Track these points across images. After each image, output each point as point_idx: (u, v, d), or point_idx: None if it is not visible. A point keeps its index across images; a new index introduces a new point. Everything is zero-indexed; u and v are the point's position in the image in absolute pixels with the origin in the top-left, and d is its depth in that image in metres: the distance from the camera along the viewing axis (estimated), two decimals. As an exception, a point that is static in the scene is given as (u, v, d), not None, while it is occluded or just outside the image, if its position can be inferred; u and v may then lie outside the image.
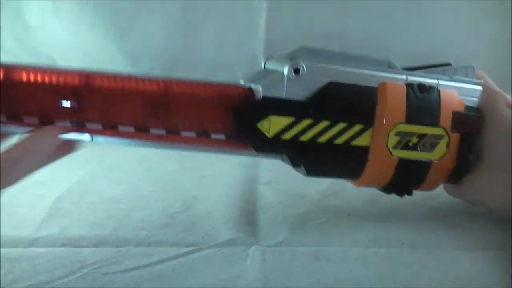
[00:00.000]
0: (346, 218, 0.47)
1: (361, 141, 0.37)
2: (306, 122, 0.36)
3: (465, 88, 0.40)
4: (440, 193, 0.53)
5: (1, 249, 0.40)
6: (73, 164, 0.58)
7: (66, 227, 0.45)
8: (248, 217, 0.47)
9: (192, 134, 0.35)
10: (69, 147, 0.36)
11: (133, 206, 0.50)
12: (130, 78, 0.34)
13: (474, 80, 0.41)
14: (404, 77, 0.38)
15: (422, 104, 0.37)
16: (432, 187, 0.41)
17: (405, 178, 0.39)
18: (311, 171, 0.38)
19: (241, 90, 0.36)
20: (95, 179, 0.58)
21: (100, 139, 0.35)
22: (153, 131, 0.34)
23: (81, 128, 0.34)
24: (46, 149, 0.33)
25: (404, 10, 0.78)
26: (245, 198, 0.52)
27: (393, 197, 0.53)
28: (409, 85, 0.37)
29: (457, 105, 0.39)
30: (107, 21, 0.79)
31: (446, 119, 0.38)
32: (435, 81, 0.39)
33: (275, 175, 0.59)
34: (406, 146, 0.37)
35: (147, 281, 0.37)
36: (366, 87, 0.37)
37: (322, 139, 0.36)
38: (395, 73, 0.38)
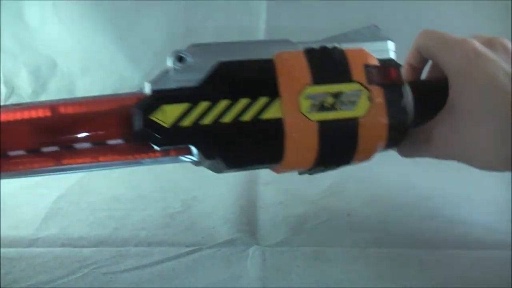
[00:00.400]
0: (346, 218, 0.47)
1: (271, 113, 0.34)
2: (203, 104, 0.34)
3: (373, 45, 0.38)
4: (440, 193, 0.53)
5: (1, 249, 0.40)
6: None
7: (66, 227, 0.45)
8: (248, 217, 0.47)
9: (87, 145, 0.34)
10: None
11: (133, 206, 0.50)
12: (15, 108, 0.33)
13: (381, 36, 0.39)
14: (300, 46, 0.37)
15: (327, 63, 0.36)
16: (371, 149, 0.37)
17: (334, 144, 0.36)
18: (229, 160, 0.35)
19: (134, 95, 0.35)
20: (95, 179, 0.58)
21: None
22: (46, 149, 0.33)
23: None
24: None
25: (404, 10, 0.78)
26: (245, 198, 0.52)
27: (393, 197, 0.53)
28: (308, 49, 0.36)
29: (369, 59, 0.37)
30: (107, 21, 0.79)
31: (358, 73, 0.36)
32: (336, 44, 0.37)
33: (275, 175, 0.59)
34: (322, 108, 0.35)
35: (147, 281, 0.37)
36: (261, 60, 0.35)
37: (227, 118, 0.34)
38: (291, 45, 0.37)
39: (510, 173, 0.48)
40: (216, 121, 0.34)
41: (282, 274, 0.38)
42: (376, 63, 0.37)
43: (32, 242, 0.42)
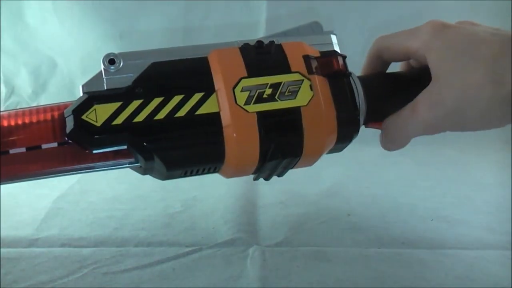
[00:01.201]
0: (346, 218, 0.47)
1: (207, 108, 0.34)
2: (136, 102, 0.33)
3: (315, 38, 0.38)
4: (440, 193, 0.53)
5: (1, 249, 0.40)
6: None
7: (66, 227, 0.45)
8: (248, 217, 0.47)
9: (22, 149, 0.33)
10: None
11: (133, 206, 0.50)
12: None
13: (324, 31, 0.39)
14: (235, 44, 0.36)
15: (263, 56, 0.35)
16: (320, 141, 0.36)
17: (276, 135, 0.35)
18: (167, 158, 0.34)
19: (69, 103, 0.34)
20: (95, 179, 0.58)
21: None
22: None
23: None
24: None
25: (404, 10, 0.78)
26: (245, 198, 0.52)
27: (393, 197, 0.53)
28: (244, 46, 0.36)
29: (308, 50, 0.36)
30: (107, 21, 0.79)
31: (297, 64, 0.35)
32: (273, 39, 0.37)
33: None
34: (260, 99, 0.34)
35: (147, 281, 0.37)
36: (194, 58, 0.35)
37: (161, 115, 0.33)
38: (227, 44, 0.37)
39: (509, 173, 0.48)
40: (150, 118, 0.33)
41: (282, 274, 0.38)
42: (316, 54, 0.36)
43: (32, 242, 0.42)
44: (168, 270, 0.38)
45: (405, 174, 0.56)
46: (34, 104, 0.81)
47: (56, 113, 0.34)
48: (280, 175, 0.39)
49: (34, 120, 0.34)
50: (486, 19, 0.78)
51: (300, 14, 0.79)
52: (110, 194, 0.53)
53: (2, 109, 0.80)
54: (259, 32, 0.80)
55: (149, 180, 0.58)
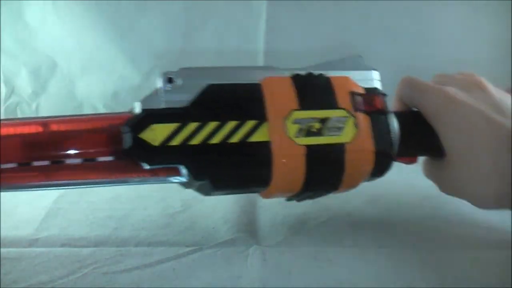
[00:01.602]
0: (346, 218, 0.47)
1: (259, 137, 0.35)
2: (193, 125, 0.34)
3: (359, 73, 0.39)
4: (440, 193, 0.53)
5: (1, 249, 0.40)
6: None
7: (66, 227, 0.45)
8: (248, 217, 0.47)
9: (78, 160, 0.34)
10: None
11: (133, 206, 0.50)
12: (6, 124, 0.34)
13: (367, 66, 0.40)
14: (287, 73, 0.37)
15: (313, 88, 0.36)
16: (358, 176, 0.38)
17: (321, 169, 0.36)
18: (217, 181, 0.35)
19: (124, 115, 0.35)
20: (95, 179, 0.58)
21: None
22: (37, 163, 0.33)
23: None
24: None
25: (404, 9, 0.78)
26: (245, 198, 0.52)
27: (393, 197, 0.53)
28: (295, 76, 0.37)
29: (354, 87, 0.38)
30: (107, 21, 0.79)
31: (344, 100, 0.36)
32: (321, 72, 0.38)
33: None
34: (309, 133, 0.35)
35: (147, 281, 0.37)
36: (248, 84, 0.36)
37: (215, 140, 0.34)
38: (278, 71, 0.37)
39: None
40: (205, 142, 0.34)
41: (282, 274, 0.38)
42: (361, 91, 0.38)
43: (32, 242, 0.42)
44: (168, 270, 0.38)
45: (405, 174, 0.56)
46: (34, 104, 0.81)
47: (110, 125, 0.35)
48: (311, 198, 0.41)
49: (90, 131, 0.35)
50: (486, 19, 0.78)
51: (301, 15, 0.79)
52: (110, 194, 0.53)
53: (1, 110, 0.80)
54: (259, 32, 0.80)
55: (149, 180, 0.58)
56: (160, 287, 0.36)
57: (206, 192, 0.37)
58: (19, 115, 0.81)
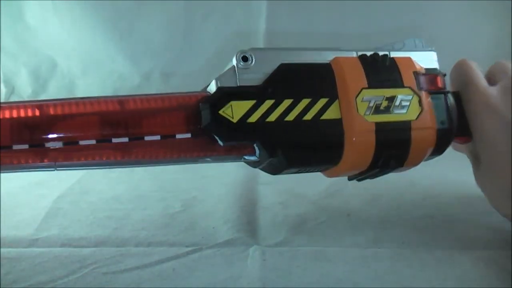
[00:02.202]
0: (346, 218, 0.47)
1: (331, 114, 0.36)
2: (268, 102, 0.35)
3: (419, 54, 0.40)
4: (440, 193, 0.53)
5: (1, 249, 0.40)
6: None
7: (66, 227, 0.45)
8: (248, 217, 0.47)
9: (156, 137, 0.35)
10: None
11: (133, 206, 0.50)
12: (84, 102, 0.34)
13: (426, 47, 0.42)
14: (354, 53, 0.38)
15: (379, 68, 0.38)
16: (421, 154, 0.39)
17: (389, 145, 0.37)
18: (290, 157, 0.36)
19: (200, 94, 0.36)
20: (95, 179, 0.58)
21: (63, 165, 0.34)
22: (116, 140, 0.34)
23: (41, 157, 0.33)
24: None
25: (404, 9, 0.78)
26: (245, 198, 0.52)
27: (393, 197, 0.53)
28: (362, 56, 0.38)
29: (416, 67, 0.39)
30: (107, 21, 0.79)
31: (408, 79, 0.38)
32: (386, 52, 0.39)
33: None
34: (378, 110, 0.37)
35: (147, 281, 0.37)
36: (319, 63, 0.37)
37: (290, 117, 0.36)
38: (345, 51, 0.39)
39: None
40: (281, 119, 0.35)
41: (282, 274, 0.38)
42: (423, 71, 0.39)
43: (32, 242, 0.42)
44: (168, 270, 0.38)
45: (405, 174, 0.56)
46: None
47: (187, 104, 0.35)
48: (372, 178, 0.42)
49: (168, 109, 0.35)
50: (486, 19, 0.78)
51: (300, 15, 0.79)
52: (110, 194, 0.53)
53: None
54: (259, 32, 0.80)
55: (148, 180, 0.58)
56: (160, 287, 0.36)
57: (275, 170, 0.38)
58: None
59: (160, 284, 0.36)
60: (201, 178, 0.58)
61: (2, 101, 0.80)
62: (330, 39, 0.78)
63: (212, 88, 0.36)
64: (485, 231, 0.44)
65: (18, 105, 0.33)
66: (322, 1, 0.78)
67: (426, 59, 0.41)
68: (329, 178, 0.43)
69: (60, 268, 0.38)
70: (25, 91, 0.81)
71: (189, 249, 0.41)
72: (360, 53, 0.38)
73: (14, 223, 0.45)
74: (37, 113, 0.33)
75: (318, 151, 0.37)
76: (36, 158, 0.33)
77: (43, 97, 0.81)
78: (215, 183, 0.56)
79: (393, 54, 0.39)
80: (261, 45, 0.80)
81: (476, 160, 0.41)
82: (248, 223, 0.46)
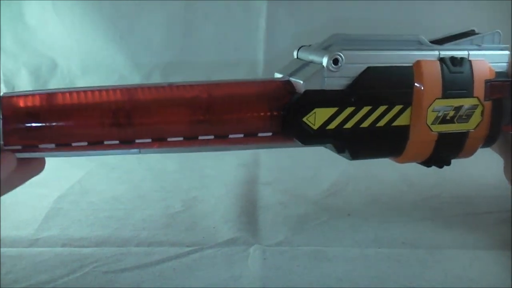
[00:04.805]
0: (346, 218, 0.47)
1: (401, 121, 0.38)
2: (349, 110, 0.36)
3: (493, 54, 0.41)
4: (440, 194, 0.53)
5: (2, 248, 0.40)
6: (73, 164, 0.58)
7: (66, 227, 0.45)
8: (249, 217, 0.47)
9: (239, 135, 0.36)
10: (32, 168, 0.36)
11: (134, 206, 0.50)
12: (171, 87, 0.35)
13: (501, 45, 0.42)
14: (436, 52, 0.39)
15: (456, 77, 0.38)
16: (469, 154, 0.42)
17: (445, 151, 0.40)
18: (356, 155, 0.39)
19: (281, 84, 0.37)
20: (96, 179, 0.58)
21: (148, 151, 0.35)
22: (202, 137, 0.35)
23: (129, 145, 0.34)
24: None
25: (404, 9, 0.78)
26: (246, 198, 0.52)
27: (393, 197, 0.53)
28: (442, 60, 0.38)
29: (488, 73, 0.40)
30: (107, 21, 0.79)
31: (479, 88, 0.39)
32: (465, 53, 0.39)
33: (275, 175, 0.59)
34: (444, 120, 0.38)
35: (148, 281, 0.37)
36: (401, 67, 0.38)
37: (365, 124, 0.37)
38: (427, 49, 0.39)
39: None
40: (356, 126, 0.37)
41: (282, 274, 0.38)
42: (494, 76, 0.40)
43: (33, 243, 0.42)
44: (169, 270, 0.38)
45: (405, 174, 0.56)
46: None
47: (268, 95, 0.36)
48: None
49: (250, 104, 0.36)
50: (486, 19, 0.78)
51: (301, 14, 0.79)
52: (111, 194, 0.53)
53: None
54: (259, 32, 0.80)
55: (149, 180, 0.58)
56: (161, 287, 0.36)
57: (342, 156, 0.40)
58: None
59: (160, 284, 0.37)
60: (202, 178, 0.58)
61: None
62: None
63: (298, 86, 0.36)
64: (485, 231, 0.45)
65: (108, 89, 0.34)
66: (322, 1, 0.78)
67: (499, 59, 0.41)
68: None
69: (61, 267, 0.38)
70: (25, 91, 0.82)
71: (190, 249, 0.41)
72: (442, 53, 0.38)
73: (15, 223, 0.45)
74: (126, 97, 0.34)
75: (382, 152, 0.40)
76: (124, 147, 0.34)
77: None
78: (216, 183, 0.56)
79: (472, 53, 0.39)
80: (261, 45, 0.80)
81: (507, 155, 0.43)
82: (249, 222, 0.46)
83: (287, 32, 0.79)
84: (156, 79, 0.81)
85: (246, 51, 0.81)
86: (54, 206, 0.50)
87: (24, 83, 0.82)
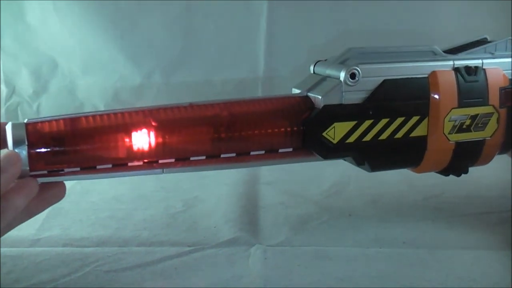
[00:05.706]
0: (347, 218, 0.48)
1: (419, 132, 0.38)
2: (367, 123, 0.37)
3: (507, 62, 0.41)
4: (441, 194, 0.53)
5: (2, 248, 0.40)
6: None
7: (67, 227, 0.45)
8: (250, 217, 0.47)
9: (261, 152, 0.36)
10: (52, 195, 0.36)
11: (135, 206, 0.50)
12: (191, 106, 0.36)
13: None
14: (450, 62, 0.39)
15: (471, 86, 0.39)
16: (486, 162, 0.43)
17: (462, 159, 0.41)
18: (375, 167, 0.39)
19: (299, 100, 0.37)
20: (96, 179, 0.58)
21: (171, 171, 0.36)
22: (224, 155, 0.36)
23: (153, 165, 0.35)
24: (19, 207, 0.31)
25: (404, 10, 0.78)
26: (246, 198, 0.52)
27: (394, 197, 0.53)
28: (457, 70, 0.39)
29: (503, 80, 0.40)
30: (108, 21, 0.79)
31: (494, 96, 0.39)
32: (479, 61, 0.40)
33: (276, 175, 0.59)
34: (460, 129, 0.39)
35: (149, 280, 0.37)
36: (417, 79, 0.38)
37: (384, 136, 0.38)
38: (442, 60, 0.39)
39: (510, 173, 0.48)
40: (375, 139, 0.38)
41: (283, 273, 0.38)
42: (508, 83, 0.40)
43: (34, 242, 0.42)
44: (170, 269, 0.38)
45: (405, 174, 0.56)
46: (35, 104, 0.81)
47: (287, 111, 0.37)
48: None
49: (270, 120, 0.37)
50: (486, 19, 0.78)
51: (301, 15, 0.79)
52: (112, 194, 0.53)
53: (2, 110, 0.80)
54: (260, 32, 0.80)
55: (150, 180, 0.58)
56: (162, 287, 0.36)
57: (362, 168, 0.41)
58: (20, 116, 0.81)
59: (162, 283, 0.37)
60: (202, 178, 0.58)
61: (2, 101, 0.81)
62: (331, 38, 0.78)
63: (317, 101, 0.37)
64: (485, 231, 0.45)
65: (131, 112, 0.34)
66: (322, 1, 0.78)
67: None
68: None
69: (62, 267, 0.38)
70: (26, 91, 0.81)
71: (191, 248, 0.41)
72: (456, 63, 0.39)
73: (16, 223, 0.45)
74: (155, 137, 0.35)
75: (400, 163, 0.41)
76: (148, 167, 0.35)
77: (44, 97, 0.81)
78: (217, 183, 0.56)
79: (485, 61, 0.40)
80: (261, 45, 0.80)
81: None
82: (250, 222, 0.46)
83: (287, 32, 0.79)
84: (156, 79, 0.81)
85: (246, 51, 0.81)
86: (55, 206, 0.49)
87: (24, 83, 0.82)
